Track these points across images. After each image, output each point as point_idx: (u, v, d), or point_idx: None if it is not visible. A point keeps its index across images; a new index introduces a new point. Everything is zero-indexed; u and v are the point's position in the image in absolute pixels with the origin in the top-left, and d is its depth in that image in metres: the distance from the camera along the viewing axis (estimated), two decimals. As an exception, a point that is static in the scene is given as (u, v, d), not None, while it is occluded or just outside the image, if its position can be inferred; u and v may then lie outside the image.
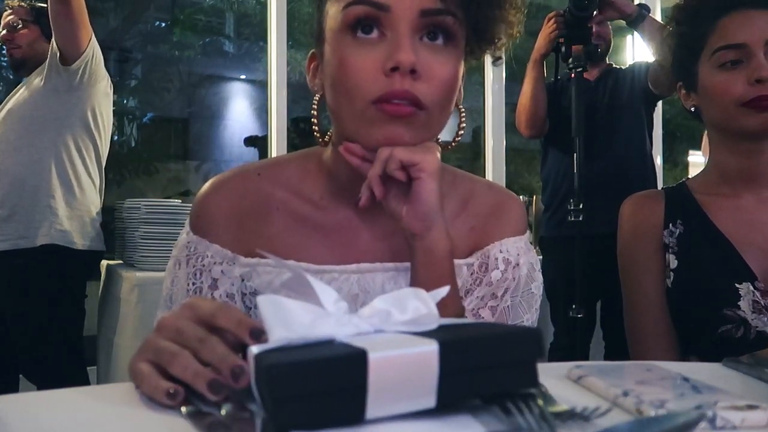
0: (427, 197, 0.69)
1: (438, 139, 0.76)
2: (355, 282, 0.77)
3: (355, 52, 0.68)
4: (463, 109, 0.76)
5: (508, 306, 0.79)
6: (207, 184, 0.81)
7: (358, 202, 0.72)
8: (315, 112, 0.76)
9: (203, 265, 0.77)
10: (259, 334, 0.47)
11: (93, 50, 2.14)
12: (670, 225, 1.05)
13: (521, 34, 0.76)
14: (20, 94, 2.23)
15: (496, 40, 0.75)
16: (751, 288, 0.96)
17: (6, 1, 2.31)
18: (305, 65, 0.79)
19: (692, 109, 1.08)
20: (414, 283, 0.72)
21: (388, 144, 0.68)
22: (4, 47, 2.29)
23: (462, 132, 0.78)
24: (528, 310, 0.81)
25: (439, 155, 0.71)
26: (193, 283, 0.77)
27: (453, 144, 0.77)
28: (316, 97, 0.76)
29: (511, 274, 0.80)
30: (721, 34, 1.00)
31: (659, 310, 1.04)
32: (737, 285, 0.96)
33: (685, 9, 1.07)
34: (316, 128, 0.77)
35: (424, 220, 0.70)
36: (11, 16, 2.26)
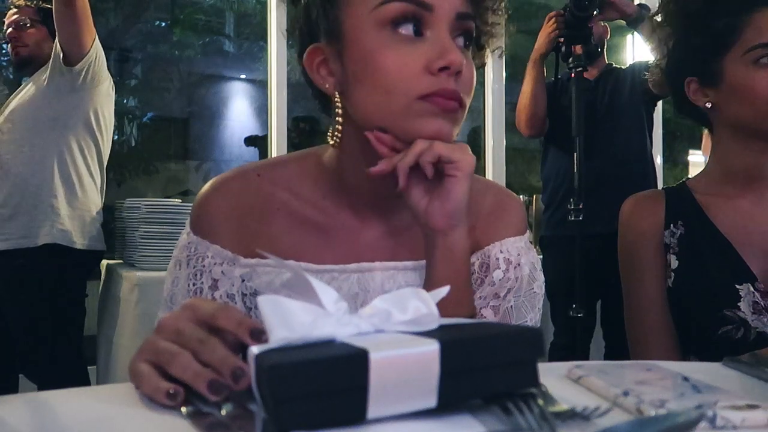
0: (458, 196, 0.70)
1: None
2: (354, 281, 0.77)
3: (395, 48, 0.68)
4: None
5: (511, 306, 0.79)
6: (207, 185, 0.81)
7: (356, 202, 0.71)
8: (339, 110, 0.73)
9: (203, 266, 0.77)
10: (259, 335, 0.47)
11: (96, 52, 2.15)
12: (672, 226, 1.05)
13: (503, 50, 0.81)
14: (23, 94, 2.23)
15: (488, 51, 0.79)
16: (751, 289, 0.95)
17: (11, 0, 2.32)
18: (304, 61, 0.76)
19: (708, 105, 1.03)
20: (430, 280, 0.72)
21: (434, 138, 0.69)
22: (8, 45, 2.29)
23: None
24: (531, 309, 0.81)
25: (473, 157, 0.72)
26: (194, 284, 0.77)
27: None
28: (337, 95, 0.73)
29: (513, 274, 0.80)
30: (757, 30, 0.97)
31: (660, 310, 1.04)
32: (737, 286, 0.96)
33: (712, 1, 1.02)
34: (339, 127, 0.74)
35: (450, 218, 0.70)
36: (17, 15, 2.27)
